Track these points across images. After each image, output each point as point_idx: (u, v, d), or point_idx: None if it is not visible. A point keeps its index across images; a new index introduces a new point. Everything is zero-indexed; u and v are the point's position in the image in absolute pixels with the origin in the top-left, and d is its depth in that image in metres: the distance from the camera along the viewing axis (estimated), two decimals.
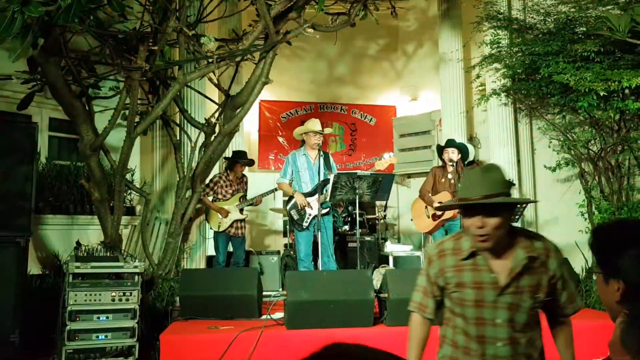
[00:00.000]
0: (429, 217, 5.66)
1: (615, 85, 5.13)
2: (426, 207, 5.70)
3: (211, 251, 6.67)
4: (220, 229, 6.16)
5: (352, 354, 0.78)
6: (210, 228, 6.30)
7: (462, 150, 5.71)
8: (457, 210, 5.42)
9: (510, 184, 1.95)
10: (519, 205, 5.36)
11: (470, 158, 6.15)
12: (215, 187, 6.25)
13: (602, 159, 5.97)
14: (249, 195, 6.45)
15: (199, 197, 5.78)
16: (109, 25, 4.92)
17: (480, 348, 1.92)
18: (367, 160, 9.30)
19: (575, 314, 2.06)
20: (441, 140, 7.00)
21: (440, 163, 6.02)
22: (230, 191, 6.29)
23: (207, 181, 6.15)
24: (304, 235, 5.46)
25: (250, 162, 6.70)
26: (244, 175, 6.51)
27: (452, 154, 5.64)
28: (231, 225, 6.19)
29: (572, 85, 5.35)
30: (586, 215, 6.07)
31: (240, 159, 6.38)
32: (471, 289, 1.94)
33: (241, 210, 6.26)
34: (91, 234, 5.85)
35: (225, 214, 6.16)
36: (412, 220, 6.28)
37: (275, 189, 6.21)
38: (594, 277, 1.64)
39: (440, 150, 5.79)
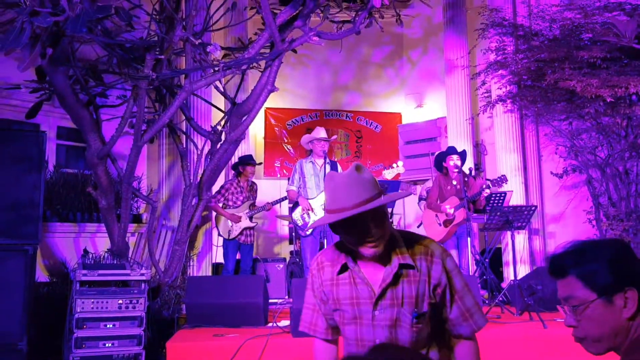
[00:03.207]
0: (440, 225, 5.65)
1: (622, 91, 5.11)
2: (436, 215, 5.69)
3: (217, 259, 6.68)
4: (231, 237, 6.17)
5: None
6: (220, 235, 6.30)
7: (463, 157, 5.72)
8: (464, 217, 5.43)
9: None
10: (525, 212, 5.33)
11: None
12: (227, 194, 6.27)
13: (609, 165, 5.94)
14: (258, 203, 6.46)
15: (206, 204, 5.80)
16: (116, 34, 4.96)
17: None
18: (372, 168, 9.29)
19: (474, 333, 1.77)
20: (446, 147, 6.99)
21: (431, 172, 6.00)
22: (241, 198, 6.30)
23: (218, 188, 6.17)
24: (309, 242, 5.47)
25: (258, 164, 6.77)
26: (253, 183, 6.53)
27: (457, 161, 5.64)
28: (241, 233, 6.20)
29: (579, 92, 5.34)
30: (594, 223, 6.04)
31: (249, 161, 6.40)
32: (349, 305, 1.74)
33: (251, 218, 6.27)
34: (98, 241, 5.89)
35: (238, 220, 6.17)
36: (418, 227, 6.25)
37: (285, 197, 6.24)
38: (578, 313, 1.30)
39: (443, 157, 5.78)
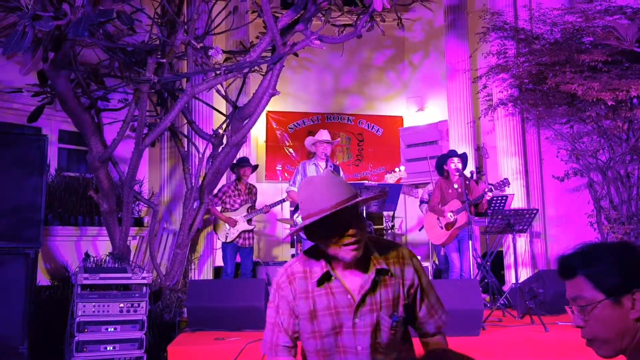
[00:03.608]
0: (442, 228, 5.64)
1: (623, 95, 5.11)
2: (438, 219, 5.68)
3: (219, 262, 6.67)
4: (228, 240, 6.16)
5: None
6: (218, 239, 6.30)
7: (464, 160, 5.72)
8: (466, 220, 5.42)
9: None
10: (526, 215, 5.32)
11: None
12: (224, 197, 6.26)
13: (611, 168, 5.93)
14: (257, 206, 6.45)
15: (207, 208, 5.80)
16: (118, 38, 4.98)
17: None
18: (374, 171, 9.29)
19: (440, 329, 1.85)
20: (447, 150, 6.99)
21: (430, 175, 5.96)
22: (239, 201, 6.29)
23: (215, 191, 6.16)
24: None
25: (254, 167, 6.71)
26: (252, 186, 6.51)
27: (459, 164, 5.64)
28: (239, 236, 6.18)
29: (580, 95, 5.34)
30: (595, 226, 6.03)
31: (242, 164, 6.36)
32: (327, 315, 1.72)
33: (249, 221, 6.25)
34: (99, 245, 5.89)
35: (234, 223, 6.16)
36: (420, 230, 6.24)
37: (284, 200, 6.22)
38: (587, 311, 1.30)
39: (444, 160, 5.76)
